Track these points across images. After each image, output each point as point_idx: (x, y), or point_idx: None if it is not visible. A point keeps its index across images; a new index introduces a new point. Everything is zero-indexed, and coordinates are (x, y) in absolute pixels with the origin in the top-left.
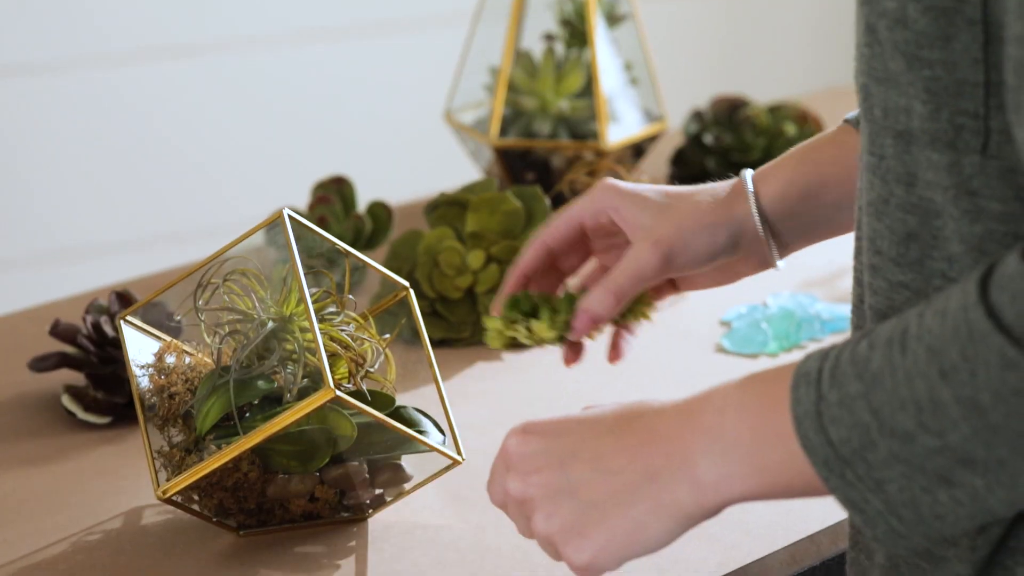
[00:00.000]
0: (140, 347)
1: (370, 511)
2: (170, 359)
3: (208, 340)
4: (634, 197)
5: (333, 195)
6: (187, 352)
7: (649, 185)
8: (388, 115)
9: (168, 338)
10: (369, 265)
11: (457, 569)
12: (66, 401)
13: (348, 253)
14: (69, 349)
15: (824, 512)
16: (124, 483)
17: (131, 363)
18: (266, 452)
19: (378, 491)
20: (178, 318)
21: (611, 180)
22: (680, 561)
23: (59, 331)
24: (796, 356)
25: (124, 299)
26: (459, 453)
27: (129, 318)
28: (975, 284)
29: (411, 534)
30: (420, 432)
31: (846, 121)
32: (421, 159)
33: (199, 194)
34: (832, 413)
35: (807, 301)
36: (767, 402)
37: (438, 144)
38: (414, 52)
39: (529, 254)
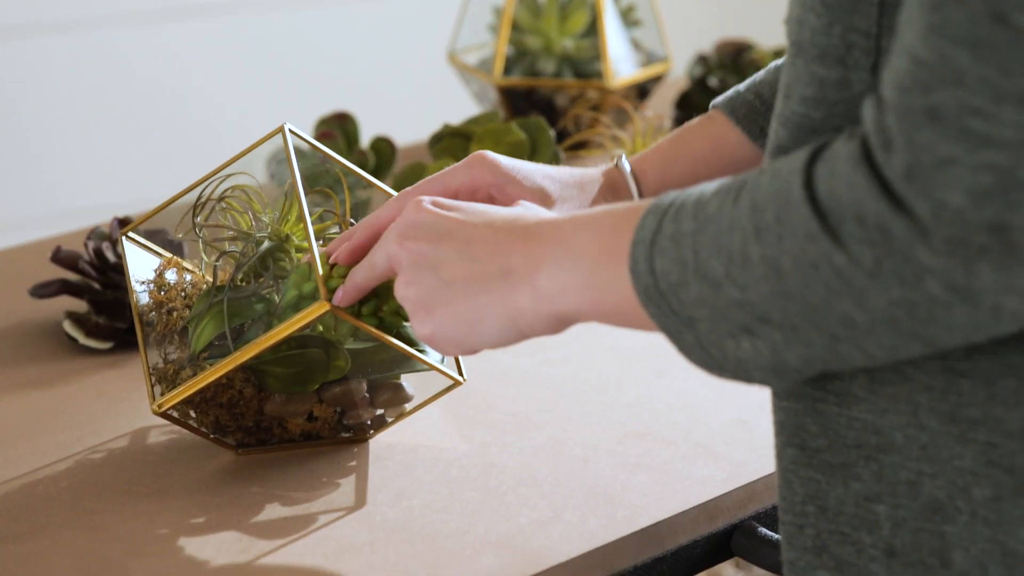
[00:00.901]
0: (141, 264)
1: (371, 432)
2: (170, 276)
3: (206, 258)
4: (517, 175)
5: (336, 131)
6: (187, 269)
7: (526, 163)
8: (391, 58)
9: (168, 254)
10: (373, 184)
11: (461, 485)
12: (67, 327)
13: (349, 170)
14: (71, 276)
15: None
16: (125, 405)
17: (131, 279)
18: (261, 373)
19: (379, 411)
20: (179, 236)
21: (489, 155)
22: (687, 477)
23: (60, 258)
24: None
25: (125, 225)
26: (460, 373)
27: (131, 235)
28: (807, 152)
29: (414, 452)
30: (420, 351)
31: (714, 107)
32: (425, 101)
33: (205, 145)
34: (663, 244)
35: None
36: (621, 225)
37: (442, 86)
38: None
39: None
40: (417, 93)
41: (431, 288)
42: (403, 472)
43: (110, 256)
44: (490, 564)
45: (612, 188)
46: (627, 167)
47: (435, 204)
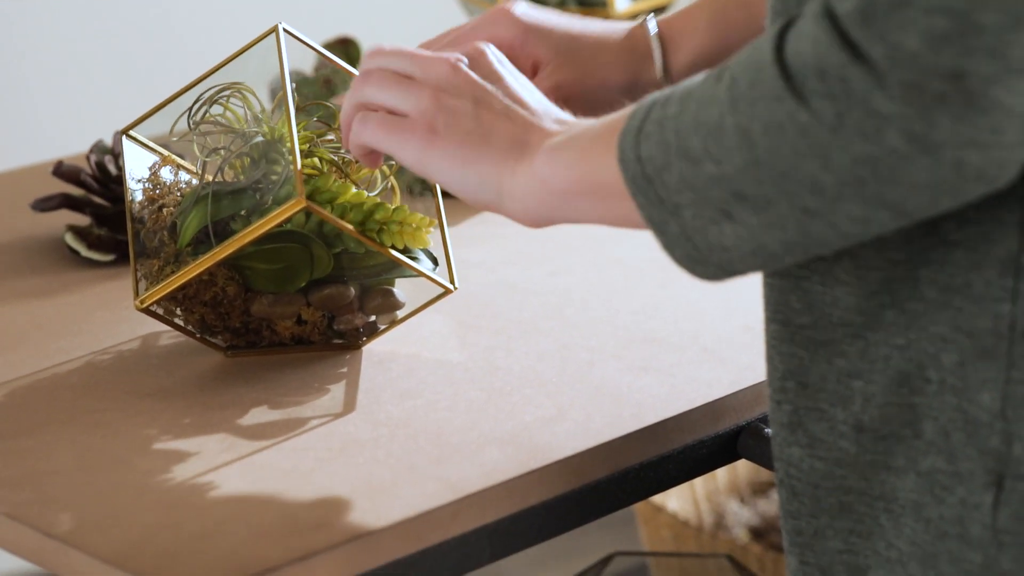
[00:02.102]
0: (141, 165)
1: (363, 339)
2: (165, 174)
3: (199, 155)
4: (539, 32)
5: (339, 56)
6: (183, 167)
7: (550, 20)
8: None
9: (166, 152)
10: None
11: (465, 386)
12: (69, 239)
13: (350, 73)
14: (73, 190)
15: None
16: (127, 313)
17: (128, 177)
18: (243, 270)
19: (370, 318)
20: (172, 139)
21: (512, 10)
22: (693, 379)
23: (62, 171)
24: None
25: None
26: (452, 282)
27: (132, 134)
28: (785, 20)
29: (417, 357)
30: (411, 259)
31: None
32: (428, 32)
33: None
34: (648, 130)
35: None
36: (620, 117)
37: (444, 16)
38: None
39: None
40: (420, 24)
41: (447, 115)
42: (406, 375)
43: (112, 169)
44: (495, 458)
45: (634, 50)
46: (653, 29)
47: (474, 60)
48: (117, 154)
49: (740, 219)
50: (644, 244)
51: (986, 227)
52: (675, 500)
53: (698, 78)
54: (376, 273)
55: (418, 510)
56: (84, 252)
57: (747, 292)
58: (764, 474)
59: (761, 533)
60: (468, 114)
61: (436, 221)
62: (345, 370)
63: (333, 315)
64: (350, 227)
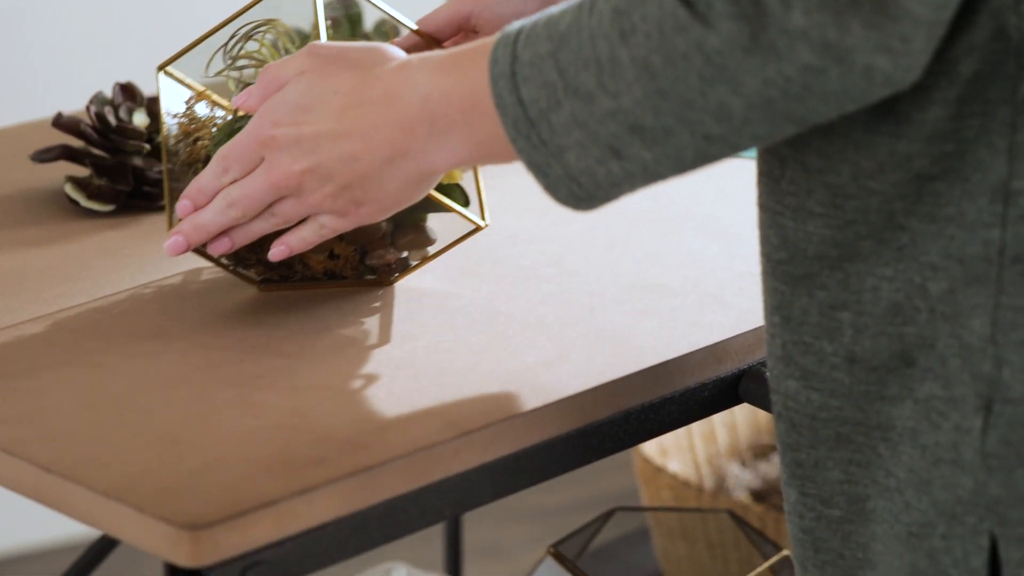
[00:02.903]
0: (176, 100)
1: (395, 275)
2: (200, 109)
3: (233, 89)
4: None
5: (340, 17)
6: (218, 103)
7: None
8: None
9: (201, 87)
10: (403, 24)
11: (467, 329)
12: (69, 189)
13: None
14: (72, 142)
15: None
16: (129, 261)
17: (164, 112)
18: None
19: (403, 254)
20: (211, 75)
21: None
22: (695, 323)
23: (62, 123)
24: None
25: (127, 91)
26: (483, 218)
27: (168, 70)
28: None
29: (418, 302)
30: (442, 192)
31: None
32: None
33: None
34: (524, 72)
35: None
36: (470, 79)
37: None
38: None
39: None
40: None
41: (341, 197)
42: (407, 317)
43: (112, 120)
44: (497, 398)
45: None
46: None
47: (280, 122)
48: (117, 105)
49: (630, 156)
50: (646, 194)
51: (979, 155)
52: (676, 462)
53: (553, 12)
54: (408, 208)
55: (419, 446)
56: (84, 202)
57: (749, 238)
58: (765, 437)
59: (762, 495)
60: (340, 188)
61: None
62: (344, 313)
63: (365, 250)
64: None
